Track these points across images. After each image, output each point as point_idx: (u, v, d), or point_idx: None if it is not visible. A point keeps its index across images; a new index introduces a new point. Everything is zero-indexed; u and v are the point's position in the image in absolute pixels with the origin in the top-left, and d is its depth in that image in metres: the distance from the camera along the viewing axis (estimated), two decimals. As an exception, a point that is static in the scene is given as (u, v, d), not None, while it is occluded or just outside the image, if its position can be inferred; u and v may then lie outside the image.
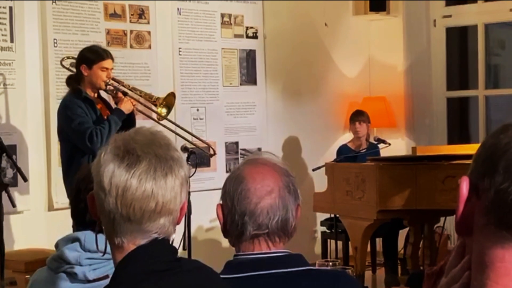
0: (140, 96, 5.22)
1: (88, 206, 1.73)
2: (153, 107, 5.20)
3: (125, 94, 5.07)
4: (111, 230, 1.65)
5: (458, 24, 7.73)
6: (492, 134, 1.06)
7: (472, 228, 1.05)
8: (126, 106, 4.99)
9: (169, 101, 5.24)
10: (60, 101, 5.12)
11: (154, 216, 1.63)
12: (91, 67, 4.96)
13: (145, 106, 5.27)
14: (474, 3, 7.53)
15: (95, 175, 1.65)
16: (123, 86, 5.15)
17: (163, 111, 5.20)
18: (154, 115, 5.30)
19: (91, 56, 4.98)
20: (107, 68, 4.99)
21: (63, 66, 5.39)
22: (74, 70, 5.11)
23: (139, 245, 1.64)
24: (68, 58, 5.43)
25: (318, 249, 7.05)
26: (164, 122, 5.25)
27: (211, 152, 5.83)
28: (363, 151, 6.80)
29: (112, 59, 5.05)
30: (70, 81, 5.07)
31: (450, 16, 7.65)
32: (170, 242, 1.69)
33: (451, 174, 5.38)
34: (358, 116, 7.01)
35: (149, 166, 1.61)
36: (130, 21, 6.21)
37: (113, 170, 1.61)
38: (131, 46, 6.21)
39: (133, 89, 5.23)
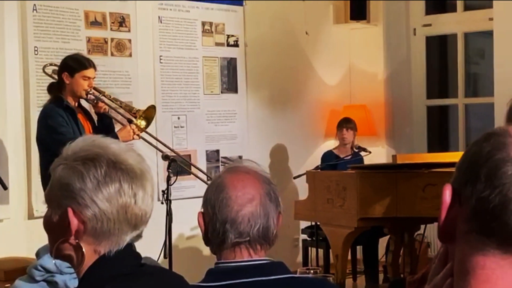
0: (120, 107, 5.22)
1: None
2: (133, 119, 5.17)
3: (130, 121, 5.07)
4: (100, 240, 1.67)
5: (438, 33, 7.78)
6: (475, 142, 1.07)
7: (454, 235, 1.06)
8: (124, 134, 4.98)
9: (149, 114, 5.24)
10: (40, 109, 5.10)
11: (140, 225, 1.70)
12: (73, 75, 4.94)
13: (123, 116, 5.25)
14: (454, 12, 7.58)
15: (88, 190, 1.66)
16: (104, 96, 5.14)
17: (142, 123, 5.19)
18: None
19: (74, 64, 4.97)
20: (89, 77, 4.98)
21: (45, 73, 5.37)
22: (56, 77, 5.10)
23: (108, 251, 1.67)
24: (50, 65, 5.41)
25: (300, 257, 7.06)
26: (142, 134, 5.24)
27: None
28: (348, 158, 6.82)
29: (95, 68, 5.04)
30: (51, 88, 5.05)
31: (430, 25, 7.70)
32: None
33: (431, 182, 5.41)
34: (346, 123, 7.05)
35: (141, 180, 1.68)
36: (111, 29, 6.20)
37: (118, 188, 1.65)
38: (112, 54, 6.20)
39: (114, 100, 5.23)
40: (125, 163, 1.67)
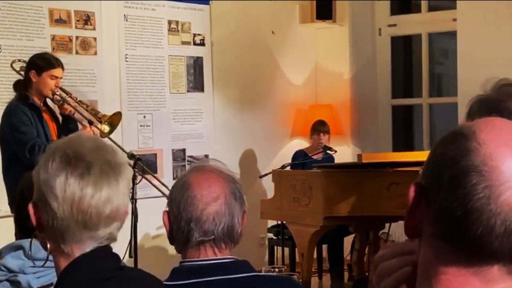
0: (86, 110, 5.17)
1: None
2: (98, 124, 5.14)
3: (90, 123, 5.02)
4: (59, 237, 1.64)
5: (403, 33, 7.84)
6: (442, 142, 1.06)
7: (421, 230, 1.07)
8: None
9: (114, 119, 5.20)
10: (3, 107, 5.06)
11: (109, 221, 1.64)
12: (40, 74, 4.90)
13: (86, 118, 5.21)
14: (419, 13, 7.64)
15: (42, 184, 1.63)
16: (71, 98, 5.10)
17: (106, 128, 5.15)
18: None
19: (42, 63, 4.93)
20: (56, 77, 4.95)
21: (13, 69, 5.32)
22: (23, 74, 5.05)
23: (84, 253, 1.64)
24: (19, 61, 5.35)
25: (266, 256, 7.07)
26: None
27: None
28: (315, 156, 6.83)
29: (63, 68, 5.01)
30: (17, 86, 5.00)
31: (395, 25, 7.75)
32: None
33: (396, 181, 5.45)
34: (322, 127, 7.06)
35: (102, 172, 1.62)
36: (76, 27, 6.16)
37: (66, 178, 1.60)
38: (77, 52, 6.16)
39: (80, 102, 5.18)
40: (83, 159, 1.63)
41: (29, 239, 2.42)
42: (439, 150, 1.05)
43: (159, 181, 5.28)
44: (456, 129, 1.06)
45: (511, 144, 1.02)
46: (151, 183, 5.10)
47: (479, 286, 1.02)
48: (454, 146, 1.03)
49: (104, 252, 1.65)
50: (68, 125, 5.13)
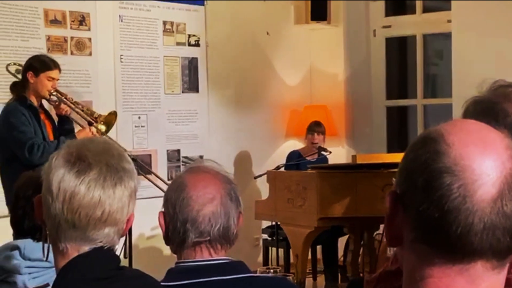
0: (82, 110, 5.23)
1: (27, 212, 1.72)
2: (94, 123, 5.19)
3: (90, 124, 5.08)
4: (55, 235, 1.65)
5: (398, 34, 7.85)
6: (412, 147, 1.07)
7: (402, 238, 1.08)
8: (83, 136, 4.97)
9: (110, 119, 5.26)
10: (0, 107, 5.09)
11: (99, 225, 1.63)
12: (37, 75, 4.98)
13: (84, 119, 5.26)
14: (413, 14, 7.65)
15: (45, 179, 1.64)
16: (66, 99, 5.15)
17: (103, 127, 5.20)
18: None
19: (39, 64, 5.01)
20: (53, 78, 5.03)
21: (9, 72, 5.35)
22: (19, 76, 5.12)
23: (82, 253, 1.64)
24: (14, 64, 5.37)
25: (260, 256, 7.07)
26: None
27: None
28: (309, 157, 6.84)
29: (60, 70, 5.09)
30: (15, 87, 5.07)
31: (389, 26, 7.76)
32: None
33: (390, 182, 5.44)
34: (317, 127, 7.07)
35: (99, 174, 1.61)
36: (71, 28, 6.16)
37: (63, 175, 1.61)
38: (72, 53, 6.16)
39: (75, 103, 5.24)
40: (84, 159, 1.63)
41: (25, 240, 2.43)
42: (410, 156, 1.07)
43: (156, 175, 5.34)
44: (424, 134, 1.08)
45: (478, 143, 1.03)
46: (152, 182, 5.16)
47: (464, 286, 1.03)
48: (425, 150, 1.04)
49: (103, 253, 1.65)
50: (63, 126, 5.17)
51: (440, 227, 1.01)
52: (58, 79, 5.08)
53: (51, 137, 5.06)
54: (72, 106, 5.18)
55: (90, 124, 5.13)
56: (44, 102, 5.18)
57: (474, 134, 1.05)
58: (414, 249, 1.06)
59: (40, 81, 4.98)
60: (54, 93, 5.07)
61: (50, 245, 1.69)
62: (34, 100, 5.01)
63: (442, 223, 1.01)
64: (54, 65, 5.04)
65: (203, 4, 7.11)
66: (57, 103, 5.12)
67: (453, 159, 1.02)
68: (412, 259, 1.06)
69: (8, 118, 4.91)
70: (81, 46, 6.22)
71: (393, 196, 1.08)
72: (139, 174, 4.90)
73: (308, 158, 6.84)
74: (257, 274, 2.27)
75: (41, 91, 5.00)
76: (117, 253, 1.73)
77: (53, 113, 5.27)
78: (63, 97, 5.15)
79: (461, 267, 1.03)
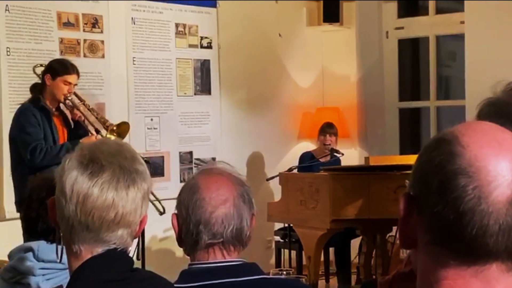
0: (96, 118, 5.25)
1: (41, 214, 1.72)
2: (104, 133, 5.20)
3: (97, 132, 5.09)
4: (69, 237, 1.65)
5: (410, 35, 7.83)
6: (426, 149, 1.07)
7: (416, 241, 1.07)
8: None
9: (122, 130, 5.24)
10: (12, 110, 5.14)
11: (112, 227, 1.63)
12: (55, 78, 5.02)
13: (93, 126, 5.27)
14: (426, 16, 7.63)
15: (58, 181, 1.64)
16: (84, 104, 5.18)
17: (111, 137, 5.19)
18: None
19: (58, 67, 5.05)
20: (70, 83, 5.06)
21: (35, 73, 5.40)
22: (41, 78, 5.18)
23: (95, 254, 1.64)
24: (41, 65, 5.40)
25: (273, 258, 7.07)
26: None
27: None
28: (322, 159, 6.83)
29: (78, 75, 5.12)
30: (33, 89, 5.11)
31: (402, 28, 7.75)
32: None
33: (403, 184, 5.43)
34: (329, 129, 7.06)
35: (112, 176, 1.61)
36: (84, 30, 6.18)
37: (76, 177, 1.61)
38: (85, 55, 6.18)
39: (92, 110, 5.27)
40: (97, 161, 1.63)
41: (39, 241, 2.43)
42: (424, 158, 1.06)
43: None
44: (438, 136, 1.08)
45: (493, 145, 1.03)
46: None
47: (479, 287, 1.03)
48: (439, 152, 1.04)
49: (116, 254, 1.65)
50: (78, 130, 5.20)
51: (455, 229, 1.01)
52: (75, 84, 5.11)
53: (62, 141, 5.09)
54: (84, 112, 5.20)
55: (97, 132, 5.15)
56: (62, 105, 5.22)
57: (488, 135, 1.05)
58: (429, 251, 1.05)
59: (56, 84, 5.02)
60: (70, 98, 5.09)
61: (64, 247, 1.69)
62: (49, 103, 5.04)
63: (457, 225, 1.01)
64: (73, 70, 5.07)
65: (215, 6, 7.12)
66: (72, 108, 5.15)
67: (468, 160, 1.02)
68: (426, 261, 1.06)
69: (18, 118, 4.97)
70: (94, 49, 6.24)
71: (406, 198, 1.08)
72: (152, 176, 4.92)
73: (321, 160, 6.83)
74: (270, 276, 2.27)
75: (56, 94, 5.04)
76: (130, 255, 1.73)
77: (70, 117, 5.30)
78: (80, 103, 5.18)
79: (476, 269, 1.02)
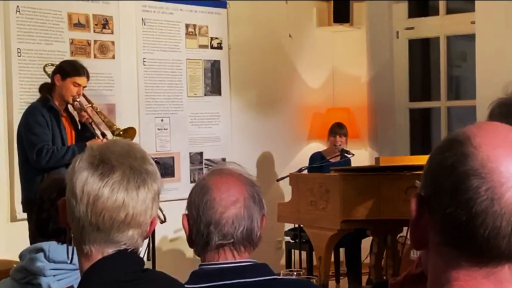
0: (103, 121, 5.25)
1: (52, 214, 1.72)
2: (106, 134, 5.21)
3: (103, 135, 5.09)
4: (79, 237, 1.65)
5: (421, 36, 7.82)
6: (438, 150, 1.07)
7: (427, 241, 1.07)
8: None
9: (129, 135, 5.22)
10: (24, 108, 5.14)
11: (123, 227, 1.63)
12: (64, 79, 5.01)
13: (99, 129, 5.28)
14: (436, 16, 7.61)
15: (68, 181, 1.65)
16: (92, 107, 5.18)
17: None
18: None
19: (68, 68, 5.05)
20: (79, 85, 5.05)
21: (45, 72, 5.41)
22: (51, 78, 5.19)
23: (106, 255, 1.64)
24: (52, 65, 5.41)
25: (283, 259, 7.07)
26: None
27: None
28: (332, 159, 6.83)
29: (88, 78, 5.12)
30: (43, 88, 5.11)
31: (412, 28, 7.73)
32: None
33: (413, 184, 5.41)
34: (339, 129, 7.06)
35: (122, 176, 1.61)
36: (94, 31, 6.19)
37: (86, 177, 1.61)
38: (95, 56, 6.19)
39: (99, 113, 5.26)
40: (107, 161, 1.63)
41: (49, 242, 2.44)
42: (436, 159, 1.06)
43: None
44: (450, 136, 1.07)
45: (506, 146, 1.03)
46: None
47: None
48: (451, 153, 1.04)
49: (127, 255, 1.65)
50: (85, 132, 5.19)
51: (467, 230, 1.00)
52: (85, 86, 5.10)
53: (70, 142, 5.09)
54: (91, 114, 5.20)
55: (103, 135, 5.15)
56: (71, 107, 5.22)
57: (501, 136, 1.04)
58: (440, 252, 1.05)
59: (66, 85, 5.01)
60: (78, 99, 5.09)
61: (75, 248, 1.69)
62: (58, 103, 5.04)
63: (469, 226, 1.00)
64: (83, 72, 5.07)
65: (225, 7, 7.13)
66: (79, 110, 5.15)
67: (480, 161, 1.01)
68: (438, 262, 1.05)
69: (27, 118, 4.97)
70: (104, 50, 6.25)
71: (418, 198, 1.08)
72: (162, 177, 4.93)
73: (331, 160, 6.82)
74: (281, 277, 2.27)
75: (65, 95, 5.03)
76: (141, 255, 1.73)
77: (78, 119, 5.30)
78: (88, 105, 5.18)
79: (488, 270, 1.02)
